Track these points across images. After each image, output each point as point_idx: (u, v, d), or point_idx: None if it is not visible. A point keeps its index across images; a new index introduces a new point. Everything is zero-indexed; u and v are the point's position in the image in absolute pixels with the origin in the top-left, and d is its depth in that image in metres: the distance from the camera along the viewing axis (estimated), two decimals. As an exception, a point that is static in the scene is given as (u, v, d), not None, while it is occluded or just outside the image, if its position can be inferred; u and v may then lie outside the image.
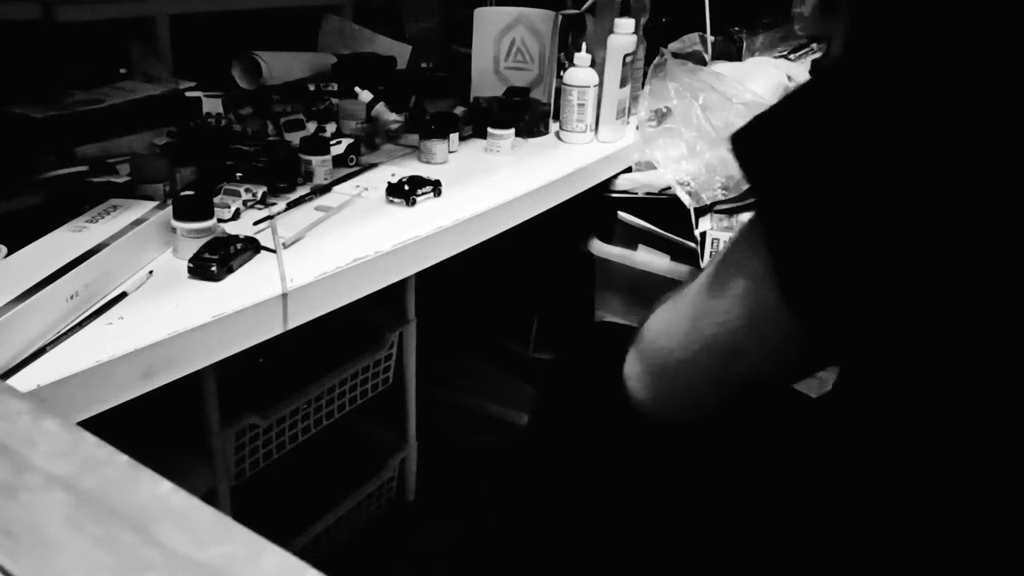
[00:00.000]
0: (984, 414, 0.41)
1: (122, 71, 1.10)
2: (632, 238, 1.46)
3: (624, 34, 1.31)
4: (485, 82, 1.33)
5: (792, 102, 0.43)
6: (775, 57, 1.50)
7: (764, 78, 1.39)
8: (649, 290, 1.47)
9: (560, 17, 1.29)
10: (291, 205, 0.91)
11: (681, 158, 1.26)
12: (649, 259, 1.45)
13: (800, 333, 0.43)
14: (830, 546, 0.52)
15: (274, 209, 0.88)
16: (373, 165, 1.07)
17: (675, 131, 1.29)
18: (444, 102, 1.27)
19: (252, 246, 0.77)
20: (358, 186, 0.99)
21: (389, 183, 0.95)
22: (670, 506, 0.64)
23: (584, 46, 1.27)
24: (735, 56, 1.53)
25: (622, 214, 1.43)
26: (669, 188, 1.28)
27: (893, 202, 0.37)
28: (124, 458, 0.34)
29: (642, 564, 0.65)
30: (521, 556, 0.70)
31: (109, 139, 0.95)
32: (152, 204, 0.78)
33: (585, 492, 0.68)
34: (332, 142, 1.03)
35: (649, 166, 1.30)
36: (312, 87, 1.24)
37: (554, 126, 1.30)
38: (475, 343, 1.91)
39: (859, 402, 0.48)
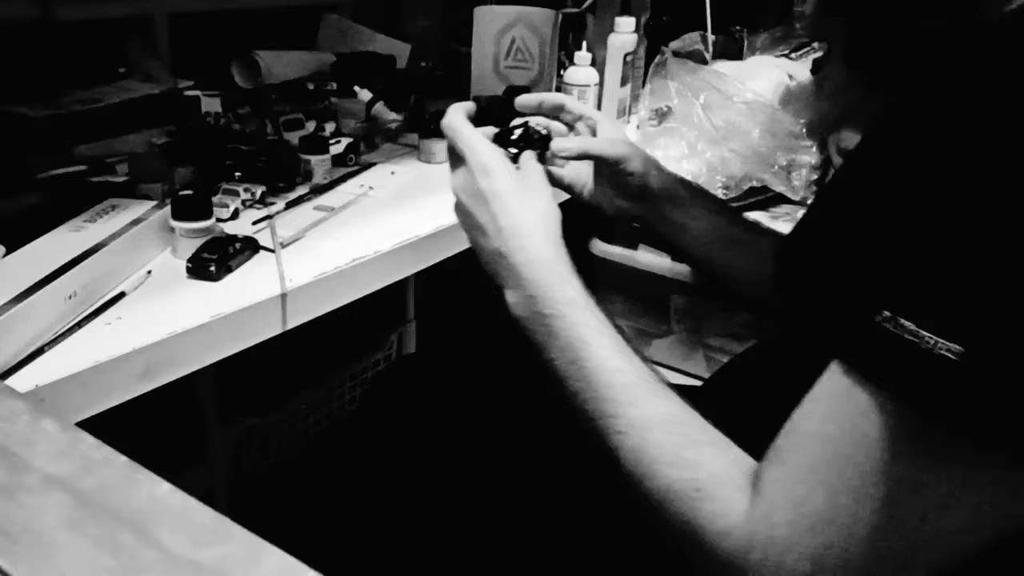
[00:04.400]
0: None
1: (121, 70, 1.09)
2: (632, 238, 1.46)
3: (625, 33, 1.31)
4: (485, 81, 1.33)
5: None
6: (776, 56, 1.50)
7: (765, 77, 1.39)
8: (649, 290, 1.47)
9: (560, 16, 1.29)
10: (290, 205, 0.91)
11: (682, 157, 1.26)
12: (649, 259, 1.45)
13: None
14: None
15: (273, 209, 0.88)
16: (372, 164, 1.07)
17: (676, 130, 1.28)
18: (444, 101, 1.26)
19: (251, 246, 0.76)
20: (362, 185, 0.99)
21: (500, 130, 0.78)
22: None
23: (584, 45, 1.27)
24: (736, 55, 1.53)
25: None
26: (669, 187, 1.28)
27: None
28: (123, 459, 0.34)
29: None
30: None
31: (107, 138, 0.95)
32: (151, 204, 0.78)
33: None
34: (331, 141, 1.03)
35: (649, 165, 1.30)
36: (311, 86, 1.24)
37: (554, 125, 1.30)
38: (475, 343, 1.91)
39: None
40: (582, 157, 0.79)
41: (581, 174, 0.84)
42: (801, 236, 0.72)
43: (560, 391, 0.56)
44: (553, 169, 0.82)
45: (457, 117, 0.68)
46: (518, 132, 0.76)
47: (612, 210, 0.83)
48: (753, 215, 1.27)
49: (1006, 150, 0.38)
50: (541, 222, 0.62)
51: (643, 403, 0.52)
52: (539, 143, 0.76)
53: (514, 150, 0.75)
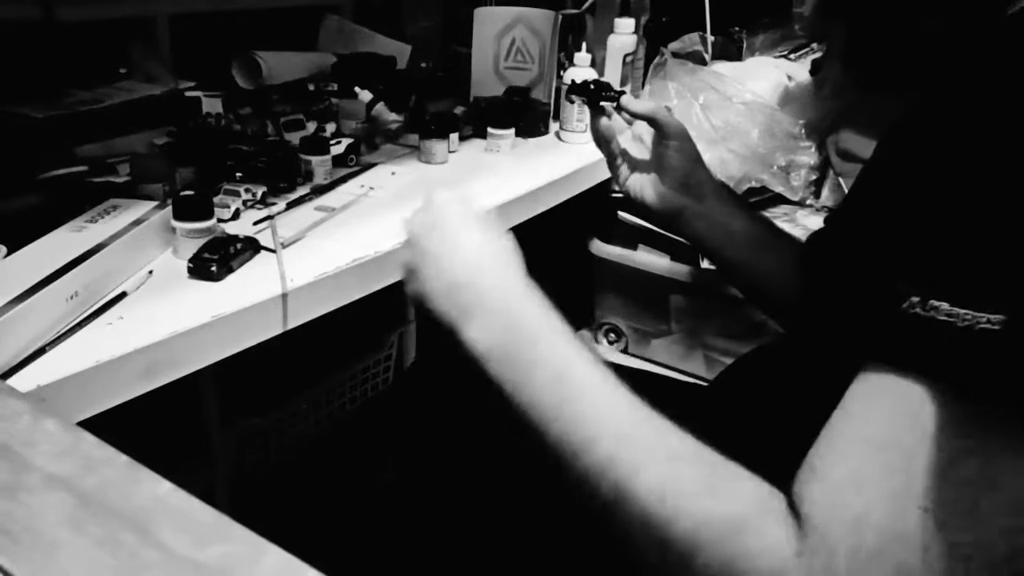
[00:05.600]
0: None
1: (122, 71, 1.09)
2: (632, 238, 1.47)
3: (624, 34, 1.32)
4: (485, 82, 1.33)
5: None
6: (775, 57, 1.50)
7: (764, 78, 1.39)
8: (649, 290, 1.47)
9: (560, 17, 1.29)
10: (291, 205, 0.91)
11: (681, 158, 1.26)
12: (649, 259, 1.45)
13: None
14: None
15: (274, 209, 0.88)
16: (373, 165, 1.07)
17: (675, 131, 1.28)
18: (444, 102, 1.27)
19: (252, 246, 0.77)
20: (363, 185, 0.99)
21: (574, 81, 0.90)
22: None
23: (584, 46, 1.27)
24: (735, 56, 1.53)
25: (622, 214, 1.43)
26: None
27: None
28: (124, 458, 0.34)
29: None
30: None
31: (109, 139, 0.95)
32: (152, 204, 0.78)
33: None
34: (332, 142, 1.03)
35: (649, 166, 1.30)
36: (312, 87, 1.24)
37: (554, 126, 1.30)
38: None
39: None
40: (646, 118, 0.82)
41: (631, 149, 0.86)
42: (824, 238, 0.72)
43: (540, 434, 0.48)
44: (612, 130, 0.87)
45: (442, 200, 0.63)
46: (593, 86, 0.85)
47: (652, 198, 0.84)
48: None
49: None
50: (503, 250, 0.57)
51: (667, 435, 0.46)
52: (612, 95, 0.85)
53: (584, 96, 0.86)
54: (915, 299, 0.38)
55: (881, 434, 0.38)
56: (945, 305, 0.37)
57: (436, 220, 0.59)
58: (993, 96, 0.41)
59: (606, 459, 0.45)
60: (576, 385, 0.48)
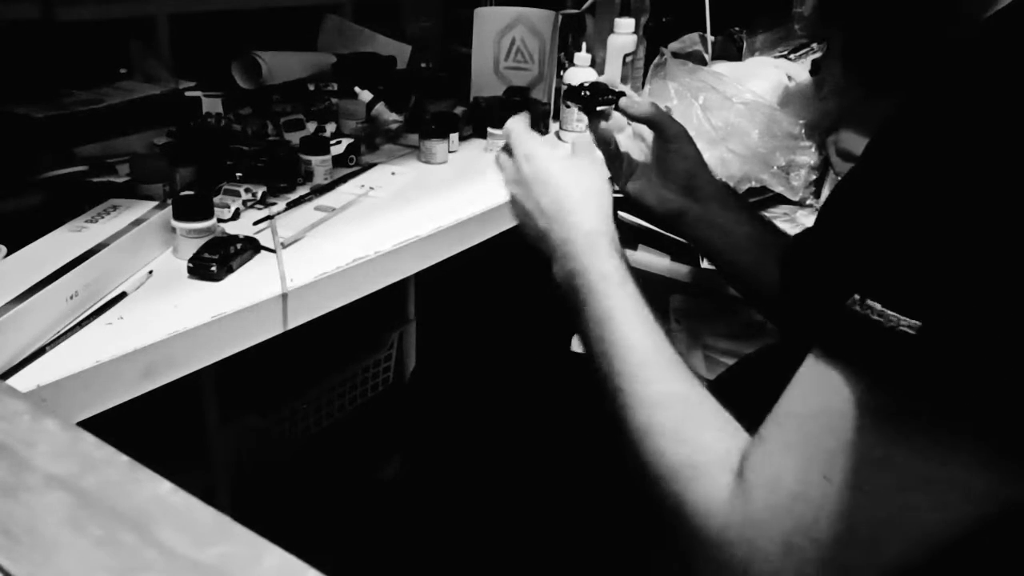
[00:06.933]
0: None
1: (122, 71, 1.09)
2: (632, 238, 1.46)
3: (624, 34, 1.31)
4: (485, 82, 1.33)
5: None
6: (775, 57, 1.50)
7: (764, 78, 1.39)
8: (649, 290, 1.47)
9: (560, 17, 1.29)
10: (291, 205, 0.91)
11: (681, 158, 1.25)
12: (649, 259, 1.44)
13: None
14: None
15: (274, 209, 0.88)
16: (373, 165, 1.07)
17: (675, 131, 1.28)
18: (444, 102, 1.27)
19: (252, 246, 0.77)
20: (363, 185, 0.99)
21: (570, 86, 0.92)
22: None
23: (584, 46, 1.27)
24: (735, 56, 1.53)
25: (622, 214, 1.43)
26: (669, 188, 1.28)
27: None
28: (124, 458, 0.34)
29: None
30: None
31: (109, 139, 0.95)
32: (152, 204, 0.78)
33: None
34: (332, 142, 1.03)
35: (649, 166, 1.30)
36: (312, 87, 1.24)
37: (554, 126, 1.30)
38: (473, 343, 1.91)
39: None
40: (646, 121, 0.84)
41: (632, 150, 0.87)
42: (798, 241, 0.73)
43: (591, 361, 0.59)
44: (611, 131, 0.87)
45: (515, 119, 0.75)
46: (589, 88, 0.85)
47: (653, 199, 0.85)
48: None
49: (962, 145, 0.40)
50: (584, 199, 0.65)
51: (656, 381, 0.54)
52: (610, 98, 0.84)
53: (580, 104, 0.85)
54: (856, 297, 0.41)
55: (805, 410, 0.45)
56: (878, 306, 0.40)
57: (528, 173, 0.69)
58: (943, 109, 0.42)
59: (616, 395, 0.55)
60: (612, 327, 0.58)
